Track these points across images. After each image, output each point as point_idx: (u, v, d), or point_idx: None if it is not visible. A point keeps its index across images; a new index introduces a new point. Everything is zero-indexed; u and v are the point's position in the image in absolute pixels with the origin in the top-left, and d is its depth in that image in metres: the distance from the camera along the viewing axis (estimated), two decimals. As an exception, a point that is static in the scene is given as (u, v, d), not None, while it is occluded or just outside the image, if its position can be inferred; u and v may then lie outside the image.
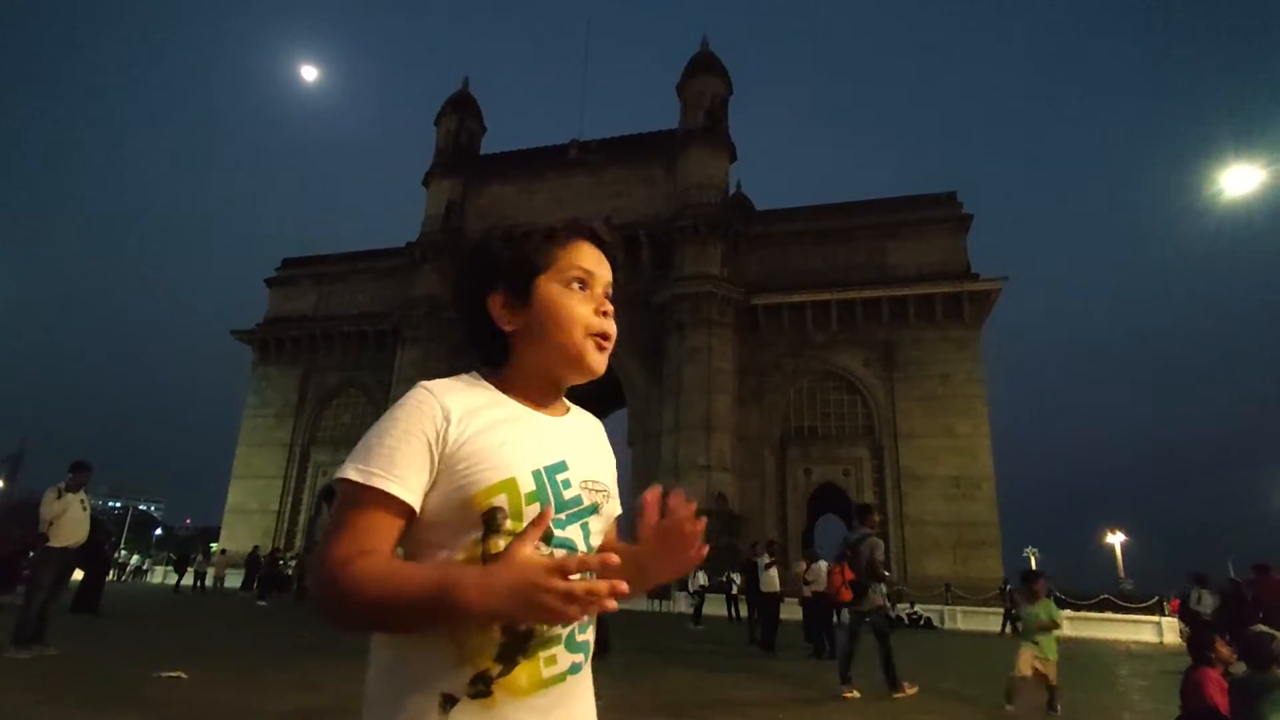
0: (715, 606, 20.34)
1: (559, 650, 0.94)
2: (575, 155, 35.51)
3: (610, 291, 1.09)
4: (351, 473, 0.92)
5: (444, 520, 0.94)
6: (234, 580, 27.24)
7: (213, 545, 36.42)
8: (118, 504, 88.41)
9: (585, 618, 0.91)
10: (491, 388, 1.05)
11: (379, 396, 35.31)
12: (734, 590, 20.46)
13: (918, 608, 22.23)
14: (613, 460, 1.15)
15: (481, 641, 0.90)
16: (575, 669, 0.96)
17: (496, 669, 0.90)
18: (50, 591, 7.67)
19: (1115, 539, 44.31)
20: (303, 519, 36.11)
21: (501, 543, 0.92)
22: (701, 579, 19.76)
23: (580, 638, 0.98)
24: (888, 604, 8.03)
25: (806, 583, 12.82)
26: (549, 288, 1.04)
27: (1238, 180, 13.19)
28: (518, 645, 0.91)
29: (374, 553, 0.88)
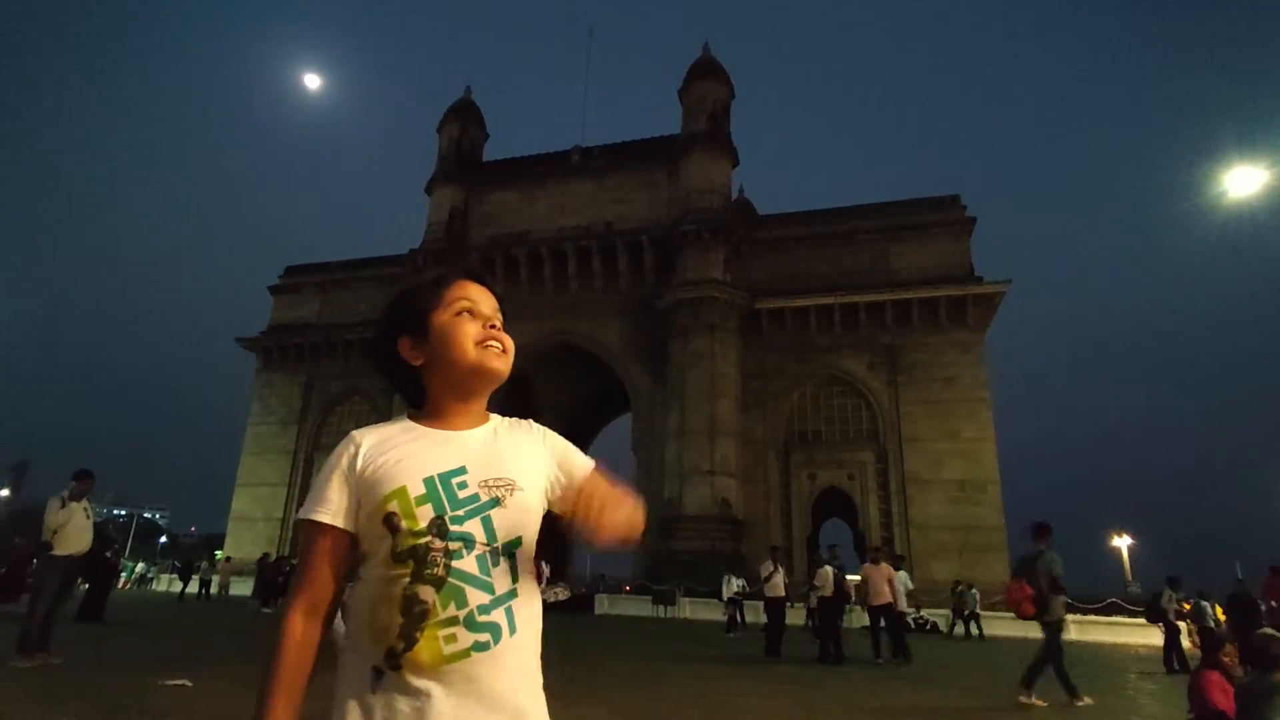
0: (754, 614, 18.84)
1: (458, 630, 1.06)
2: (578, 161, 35.57)
3: (498, 318, 1.30)
4: (299, 514, 1.22)
5: (368, 532, 1.15)
6: (240, 588, 27.26)
7: (217, 553, 36.42)
8: (122, 512, 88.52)
9: (488, 598, 1.09)
10: (409, 421, 1.26)
11: (382, 404, 35.34)
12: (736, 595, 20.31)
13: (924, 612, 22.10)
14: (541, 453, 1.27)
15: (386, 622, 1.07)
16: (480, 647, 1.07)
17: (401, 644, 1.06)
18: (54, 600, 7.67)
19: (1122, 542, 44.11)
20: (307, 526, 36.06)
21: (402, 541, 1.10)
22: (736, 585, 18.76)
23: (482, 619, 1.08)
24: (1064, 616, 8.40)
25: (815, 588, 12.78)
26: (440, 319, 1.26)
27: (1242, 181, 13.20)
28: (414, 623, 1.06)
29: (306, 620, 1.14)
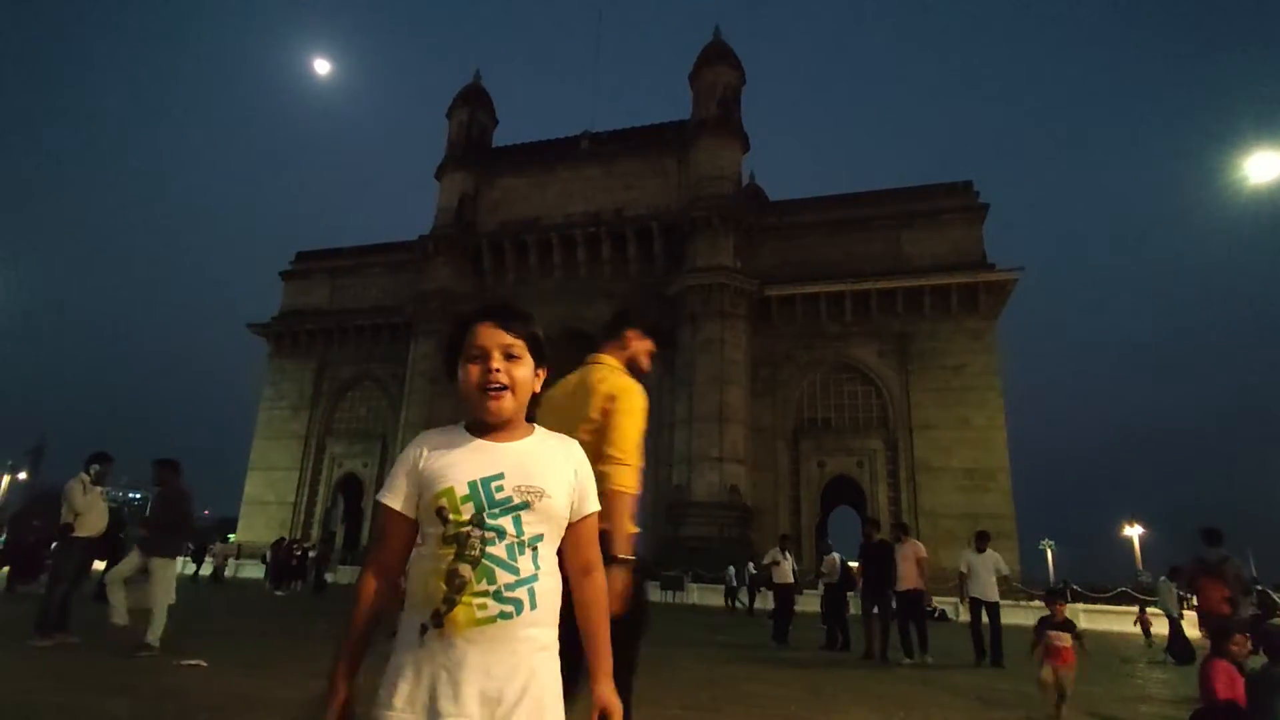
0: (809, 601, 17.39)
1: (488, 600, 1.32)
2: (587, 147, 35.43)
3: (509, 349, 1.48)
4: (377, 496, 1.51)
5: (426, 518, 1.41)
6: (253, 571, 27.64)
7: (230, 536, 36.87)
8: (137, 495, 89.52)
9: (513, 579, 1.34)
10: (463, 430, 1.49)
11: (393, 389, 35.52)
12: (736, 583, 21.35)
13: (933, 600, 22.16)
14: (568, 474, 1.48)
15: (434, 589, 1.33)
16: (505, 616, 1.32)
17: (444, 608, 1.31)
18: (72, 581, 7.79)
19: (1133, 531, 43.98)
20: (319, 510, 36.43)
21: (450, 529, 1.35)
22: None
23: (508, 594, 1.33)
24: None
25: (821, 574, 12.81)
26: (461, 365, 1.49)
27: (1261, 167, 13.00)
28: (454, 591, 1.32)
29: (376, 578, 1.46)
